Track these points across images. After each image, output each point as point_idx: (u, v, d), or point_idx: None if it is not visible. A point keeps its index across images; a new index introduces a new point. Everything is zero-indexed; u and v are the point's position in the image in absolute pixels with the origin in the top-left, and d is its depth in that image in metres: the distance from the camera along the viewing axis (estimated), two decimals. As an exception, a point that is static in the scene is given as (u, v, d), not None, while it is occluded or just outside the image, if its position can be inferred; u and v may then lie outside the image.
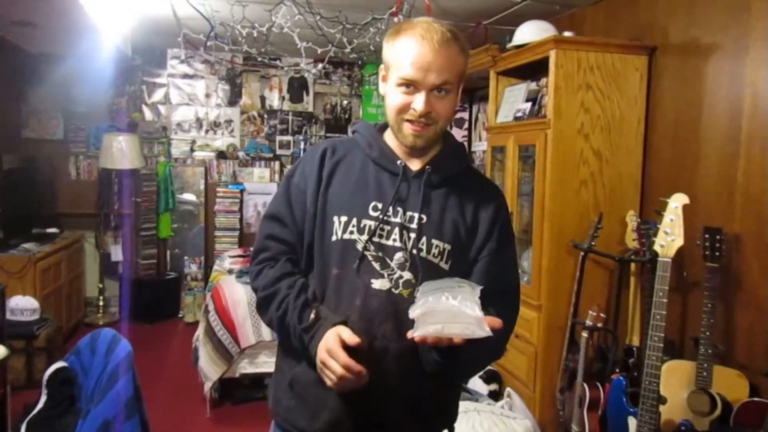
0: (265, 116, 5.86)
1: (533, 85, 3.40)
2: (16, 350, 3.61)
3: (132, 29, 4.47)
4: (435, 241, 1.30)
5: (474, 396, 3.12)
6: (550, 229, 3.02)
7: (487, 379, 3.37)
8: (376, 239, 1.29)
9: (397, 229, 1.29)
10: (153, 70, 5.60)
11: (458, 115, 5.21)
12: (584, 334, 2.68)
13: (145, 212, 5.50)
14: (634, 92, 3.01)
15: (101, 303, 5.34)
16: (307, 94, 5.92)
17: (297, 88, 5.90)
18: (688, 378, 2.30)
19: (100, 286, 5.35)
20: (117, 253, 5.38)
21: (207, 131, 5.74)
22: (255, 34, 3.81)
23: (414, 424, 1.32)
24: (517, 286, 1.42)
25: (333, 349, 1.17)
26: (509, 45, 3.38)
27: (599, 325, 2.65)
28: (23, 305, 3.84)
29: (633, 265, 2.90)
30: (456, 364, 1.20)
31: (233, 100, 5.78)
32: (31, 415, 2.10)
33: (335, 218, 1.31)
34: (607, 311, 2.96)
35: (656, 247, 2.31)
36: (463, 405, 2.92)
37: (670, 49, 2.91)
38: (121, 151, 5.03)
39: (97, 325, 5.06)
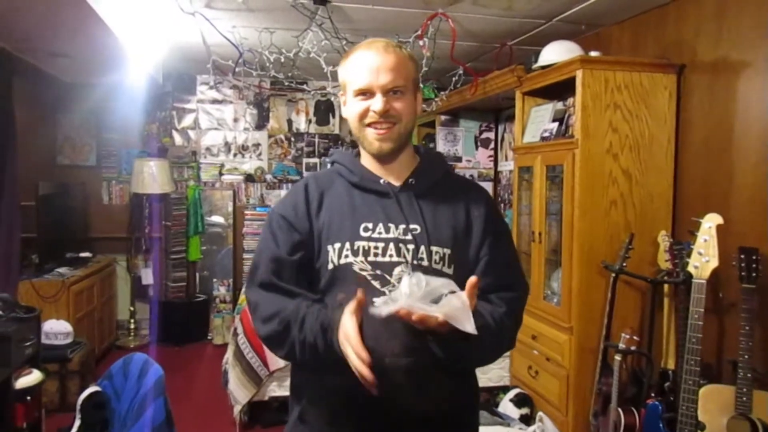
0: (292, 139, 5.93)
1: (560, 105, 3.39)
2: (50, 373, 3.67)
3: (163, 57, 4.58)
4: (434, 248, 1.31)
5: (505, 420, 3.07)
6: (579, 249, 2.98)
7: (518, 402, 3.32)
8: (371, 258, 1.30)
9: (392, 244, 1.30)
10: (183, 96, 5.72)
11: (484, 135, 5.21)
12: (617, 357, 2.62)
13: (175, 235, 5.58)
14: (663, 111, 2.98)
15: (132, 326, 5.41)
16: (333, 116, 5.98)
17: (323, 111, 5.96)
18: (727, 403, 2.23)
19: (131, 309, 5.42)
20: (147, 277, 5.46)
21: (235, 155, 5.82)
22: (282, 60, 3.87)
23: None
24: (522, 278, 1.42)
25: (348, 333, 1.11)
26: (535, 65, 3.38)
27: (633, 348, 2.60)
28: (57, 329, 3.91)
29: (666, 287, 2.84)
30: (460, 356, 1.19)
31: (261, 123, 5.86)
32: (65, 439, 2.13)
33: (329, 247, 1.32)
34: (641, 334, 2.90)
35: (690, 269, 2.26)
36: (493, 430, 2.88)
37: (700, 66, 2.88)
38: (152, 176, 5.13)
39: (128, 348, 5.12)
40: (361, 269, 1.29)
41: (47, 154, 5.33)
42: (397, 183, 1.37)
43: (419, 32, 3.62)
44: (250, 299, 1.34)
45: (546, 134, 3.36)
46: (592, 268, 2.97)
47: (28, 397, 2.60)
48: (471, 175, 5.23)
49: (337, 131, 5.98)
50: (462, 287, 1.11)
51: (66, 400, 3.79)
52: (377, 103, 1.29)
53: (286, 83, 5.11)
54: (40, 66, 4.33)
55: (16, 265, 3.82)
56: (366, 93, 1.31)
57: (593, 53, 3.04)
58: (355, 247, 1.30)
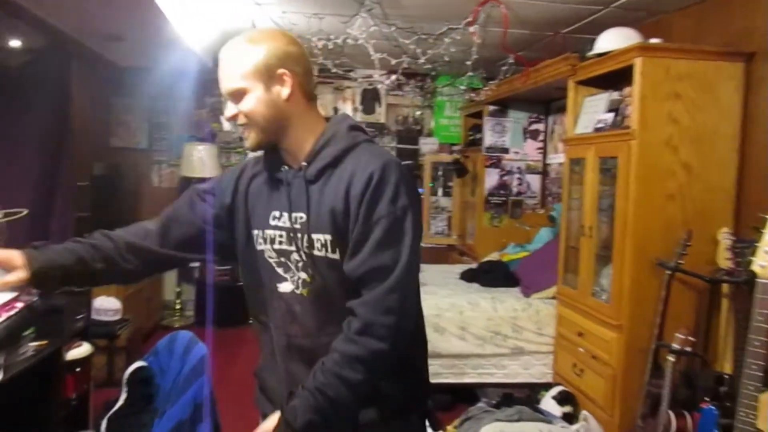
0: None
1: (615, 95, 3.27)
2: (99, 348, 3.77)
3: (213, 42, 4.62)
4: (315, 236, 1.29)
5: (547, 418, 2.99)
6: (632, 246, 2.87)
7: (561, 400, 3.23)
8: (277, 246, 1.34)
9: (284, 233, 1.33)
10: (232, 82, 5.76)
11: (533, 127, 5.09)
12: (670, 358, 2.52)
13: (221, 220, 5.64)
14: (728, 102, 2.83)
15: (178, 306, 5.53)
16: (380, 105, 5.95)
17: (369, 99, 5.94)
18: (789, 411, 2.11)
19: (178, 290, 5.54)
20: (193, 259, 5.54)
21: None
22: (330, 46, 3.86)
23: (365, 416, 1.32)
24: (396, 263, 1.22)
25: None
26: (590, 53, 3.27)
27: (687, 349, 2.49)
28: (107, 306, 4.00)
29: (725, 287, 2.71)
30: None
31: (308, 111, 5.86)
32: (111, 412, 2.17)
33: (254, 231, 1.38)
34: (695, 334, 2.78)
35: (754, 268, 2.14)
36: (535, 426, 2.81)
37: (770, 56, 2.72)
38: (201, 160, 5.21)
39: (173, 328, 5.23)
40: (269, 257, 1.36)
41: (102, 136, 5.47)
42: (296, 167, 1.34)
43: (470, 19, 3.55)
44: None
45: (600, 125, 3.25)
46: (646, 265, 2.86)
47: (78, 369, 2.67)
48: (519, 168, 5.13)
49: (383, 120, 5.95)
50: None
51: (113, 375, 3.89)
52: (227, 111, 1.31)
53: (333, 71, 5.12)
54: (97, 50, 4.43)
55: (70, 243, 3.92)
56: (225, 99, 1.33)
57: (653, 40, 2.91)
58: (265, 235, 1.36)
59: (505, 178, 5.14)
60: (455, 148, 5.96)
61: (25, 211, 2.43)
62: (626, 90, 3.13)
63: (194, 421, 1.96)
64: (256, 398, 1.53)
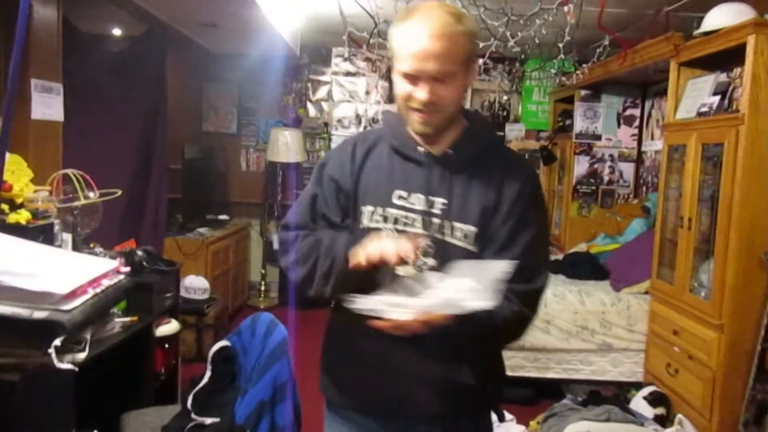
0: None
1: (723, 77, 3.02)
2: (188, 325, 3.93)
3: (301, 29, 4.67)
4: (458, 224, 1.28)
5: (638, 419, 2.84)
6: (738, 239, 2.66)
7: (653, 401, 3.06)
8: (400, 227, 1.30)
9: (419, 217, 1.29)
10: (318, 68, 5.83)
11: (628, 112, 4.82)
12: (779, 363, 2.31)
13: (305, 204, 5.74)
14: None
15: (263, 288, 5.68)
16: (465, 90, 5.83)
17: (455, 84, 5.82)
18: None
19: (263, 271, 5.69)
20: (278, 242, 5.68)
21: (365, 127, 5.86)
22: (416, 30, 3.80)
23: (443, 405, 1.32)
24: (542, 269, 1.33)
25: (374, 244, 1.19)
26: (697, 32, 3.03)
27: (800, 354, 2.27)
28: (196, 284, 4.17)
29: None
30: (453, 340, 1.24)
31: (392, 97, 5.83)
32: (197, 387, 2.24)
33: (363, 208, 1.34)
34: (808, 339, 2.54)
35: None
36: (625, 428, 2.68)
37: None
38: (287, 145, 5.30)
39: (258, 308, 5.38)
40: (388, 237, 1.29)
41: (194, 120, 5.69)
42: (436, 152, 1.33)
43: (564, -3, 3.37)
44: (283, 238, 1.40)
45: (704, 109, 3.01)
46: (752, 260, 2.64)
47: (167, 345, 2.78)
48: (611, 155, 4.89)
49: (468, 106, 5.82)
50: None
51: (201, 351, 4.05)
52: (422, 92, 1.24)
53: (419, 55, 5.06)
54: (191, 36, 4.58)
55: (163, 222, 4.11)
56: (412, 77, 1.24)
57: (770, 16, 2.66)
58: (386, 214, 1.32)
59: (596, 165, 4.90)
60: (543, 134, 5.76)
61: (119, 192, 2.54)
62: (736, 71, 2.89)
63: (275, 401, 1.98)
64: (327, 387, 1.46)
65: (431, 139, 1.33)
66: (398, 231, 1.30)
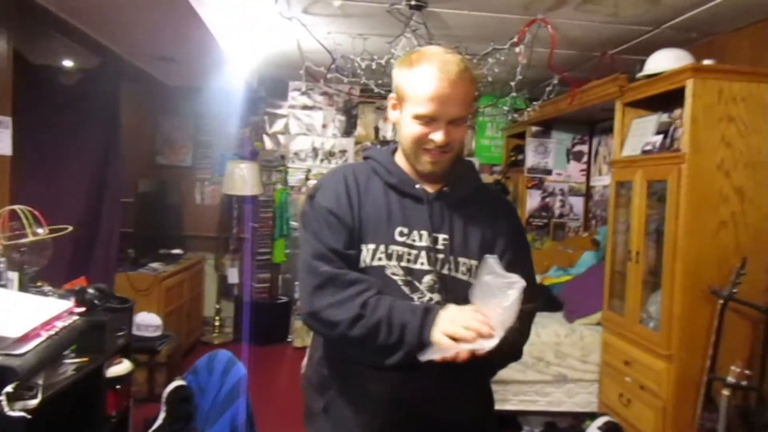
0: (378, 146, 5.93)
1: (665, 117, 3.18)
2: (140, 364, 3.81)
3: (259, 62, 4.70)
4: (462, 259, 1.33)
5: (592, 450, 2.88)
6: (683, 272, 2.76)
7: (607, 431, 3.11)
8: (404, 264, 1.32)
9: (423, 253, 1.32)
10: (275, 102, 5.85)
11: (577, 148, 5.00)
12: (725, 392, 2.40)
13: (261, 237, 5.70)
14: (785, 125, 2.72)
15: (217, 323, 5.57)
16: (421, 125, 5.93)
17: (411, 119, 5.93)
18: None
19: (217, 306, 5.59)
20: (233, 276, 5.60)
21: (322, 160, 5.89)
22: (374, 66, 3.86)
23: None
24: (534, 294, 1.36)
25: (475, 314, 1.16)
26: (640, 74, 3.19)
27: (744, 383, 2.37)
28: (148, 321, 4.06)
29: (783, 318, 2.58)
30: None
31: (349, 130, 5.91)
32: (151, 430, 2.18)
33: (363, 246, 1.33)
34: (750, 367, 2.65)
35: (817, 300, 2.03)
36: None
37: (831, 77, 2.61)
38: (243, 178, 5.27)
39: (212, 344, 5.27)
40: (393, 273, 1.31)
41: (147, 153, 5.60)
42: (431, 189, 1.38)
43: (516, 39, 3.51)
44: (322, 304, 1.26)
45: (648, 147, 3.16)
46: (697, 292, 2.75)
47: (118, 386, 2.69)
48: (561, 189, 5.04)
49: (424, 140, 5.92)
50: None
51: (154, 390, 3.92)
52: (439, 135, 1.29)
53: (376, 90, 5.14)
54: (147, 69, 4.54)
55: (115, 258, 4.00)
56: (428, 119, 1.28)
57: (706, 62, 2.82)
58: (390, 251, 1.32)
59: (548, 199, 5.05)
60: (496, 168, 5.90)
61: (70, 228, 2.47)
62: (676, 112, 3.05)
63: (233, 442, 1.95)
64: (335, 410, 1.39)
65: (426, 178, 1.37)
66: (402, 267, 1.31)
